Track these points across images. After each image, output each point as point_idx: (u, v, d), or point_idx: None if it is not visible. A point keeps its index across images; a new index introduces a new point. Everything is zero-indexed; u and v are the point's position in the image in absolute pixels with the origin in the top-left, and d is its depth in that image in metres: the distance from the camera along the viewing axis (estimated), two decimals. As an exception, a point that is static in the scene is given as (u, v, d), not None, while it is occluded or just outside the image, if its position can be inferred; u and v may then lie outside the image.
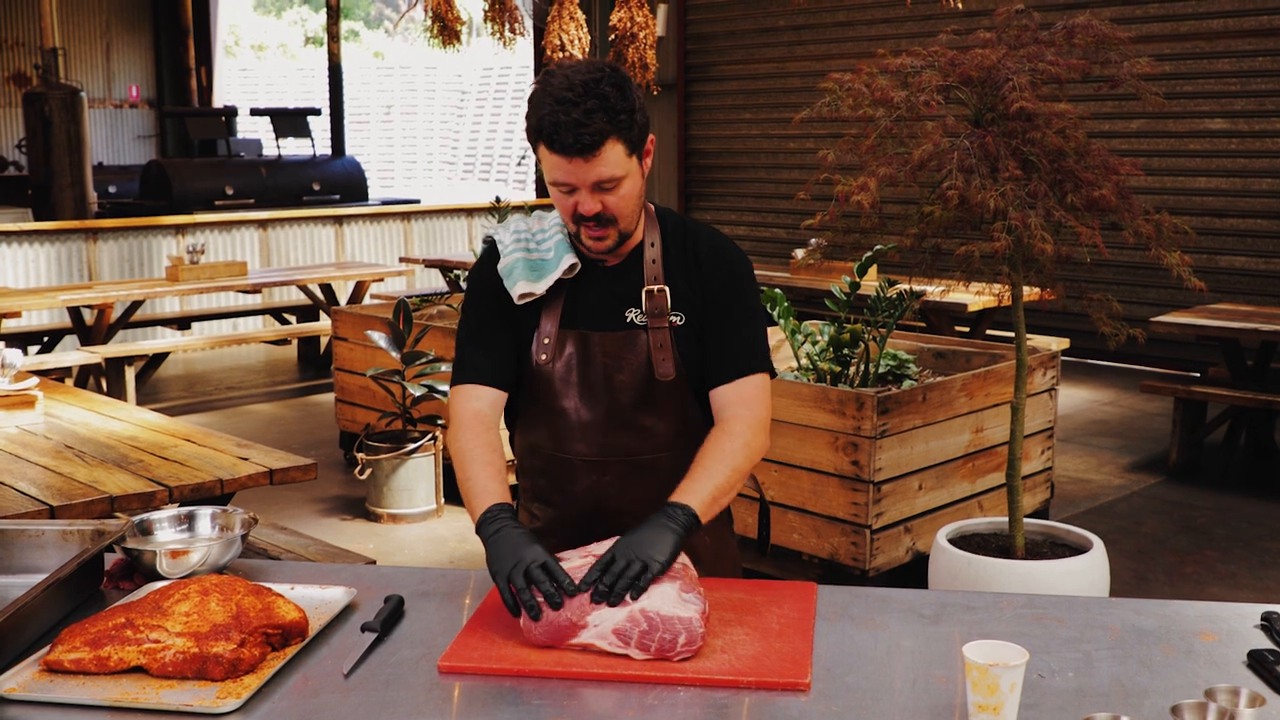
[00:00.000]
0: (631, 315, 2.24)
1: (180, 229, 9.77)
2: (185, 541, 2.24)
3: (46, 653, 1.77)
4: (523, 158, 18.13)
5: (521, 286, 2.25)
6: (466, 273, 8.86)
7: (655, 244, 2.27)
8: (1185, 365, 8.28)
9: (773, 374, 2.32)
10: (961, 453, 4.55)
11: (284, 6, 28.94)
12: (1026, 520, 3.93)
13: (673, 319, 2.24)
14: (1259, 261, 8.43)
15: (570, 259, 2.24)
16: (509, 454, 2.44)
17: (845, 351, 4.61)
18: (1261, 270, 8.42)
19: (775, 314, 4.53)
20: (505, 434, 2.42)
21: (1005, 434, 4.58)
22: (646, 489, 2.23)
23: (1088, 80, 3.64)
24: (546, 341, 2.25)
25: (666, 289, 2.24)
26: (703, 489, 2.07)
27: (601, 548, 1.99)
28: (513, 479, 2.77)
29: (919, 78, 3.58)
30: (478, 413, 2.25)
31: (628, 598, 1.85)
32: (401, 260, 10.09)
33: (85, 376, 7.80)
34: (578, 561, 1.95)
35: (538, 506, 2.37)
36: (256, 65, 25.72)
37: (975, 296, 6.37)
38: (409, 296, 6.70)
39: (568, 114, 2.04)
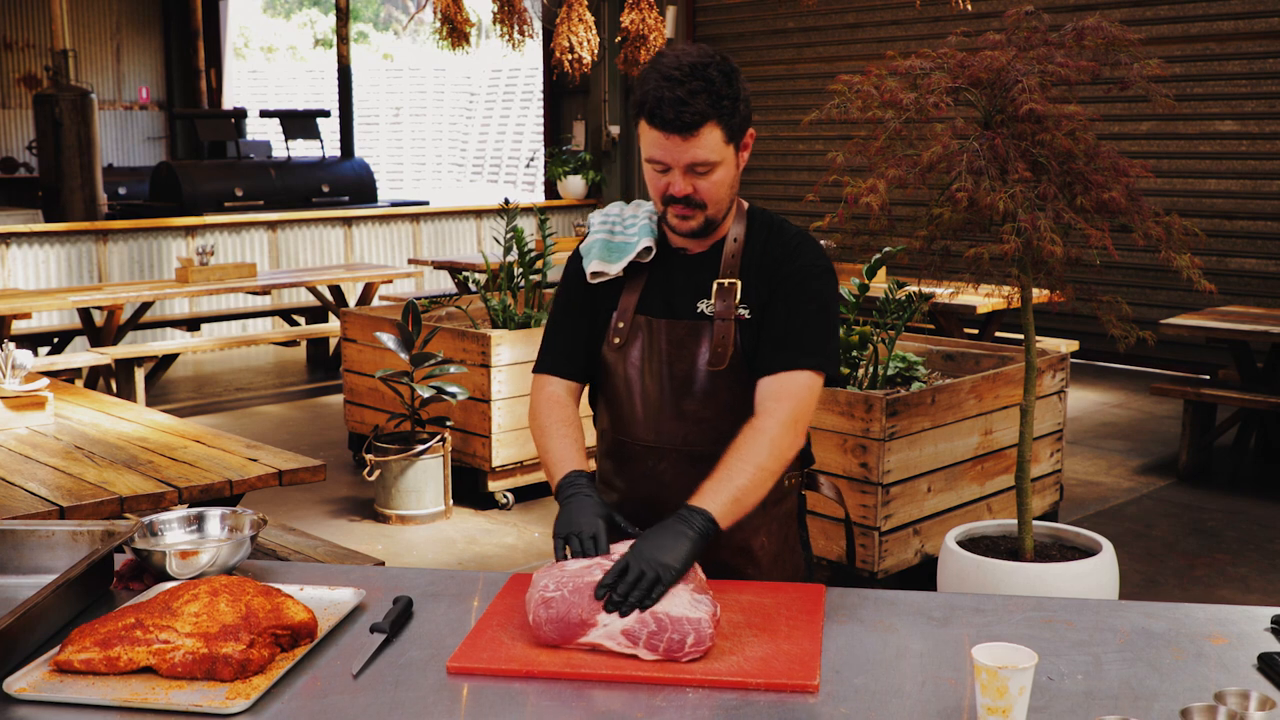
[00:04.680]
0: (703, 306, 2.24)
1: (190, 230, 9.79)
2: (194, 542, 2.24)
3: (56, 653, 1.78)
4: (531, 159, 18.09)
5: (595, 265, 2.28)
6: (475, 275, 8.88)
7: (739, 239, 2.26)
8: (1195, 368, 8.26)
9: (830, 373, 2.24)
10: (970, 455, 4.54)
11: (293, 9, 28.99)
12: (1035, 523, 3.92)
13: (740, 312, 2.22)
14: (1269, 263, 8.41)
15: (647, 242, 2.26)
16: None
17: (854, 353, 4.61)
18: (1272, 272, 8.39)
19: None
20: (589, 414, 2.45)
21: (1014, 436, 4.58)
22: (701, 481, 2.20)
23: (1097, 82, 3.63)
24: (621, 325, 2.27)
25: (738, 283, 2.23)
26: (723, 491, 2.04)
27: (625, 547, 2.00)
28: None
29: (928, 79, 3.58)
30: (552, 394, 2.30)
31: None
32: (410, 262, 10.09)
33: (95, 377, 7.81)
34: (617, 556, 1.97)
35: (603, 490, 2.38)
36: (266, 67, 25.75)
37: (984, 299, 6.36)
38: (418, 298, 6.71)
39: (672, 91, 2.06)
